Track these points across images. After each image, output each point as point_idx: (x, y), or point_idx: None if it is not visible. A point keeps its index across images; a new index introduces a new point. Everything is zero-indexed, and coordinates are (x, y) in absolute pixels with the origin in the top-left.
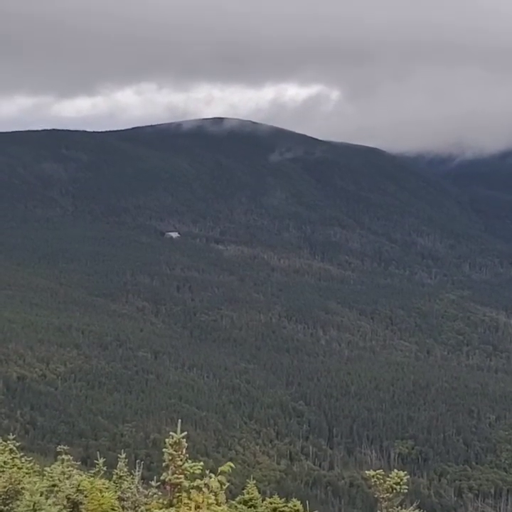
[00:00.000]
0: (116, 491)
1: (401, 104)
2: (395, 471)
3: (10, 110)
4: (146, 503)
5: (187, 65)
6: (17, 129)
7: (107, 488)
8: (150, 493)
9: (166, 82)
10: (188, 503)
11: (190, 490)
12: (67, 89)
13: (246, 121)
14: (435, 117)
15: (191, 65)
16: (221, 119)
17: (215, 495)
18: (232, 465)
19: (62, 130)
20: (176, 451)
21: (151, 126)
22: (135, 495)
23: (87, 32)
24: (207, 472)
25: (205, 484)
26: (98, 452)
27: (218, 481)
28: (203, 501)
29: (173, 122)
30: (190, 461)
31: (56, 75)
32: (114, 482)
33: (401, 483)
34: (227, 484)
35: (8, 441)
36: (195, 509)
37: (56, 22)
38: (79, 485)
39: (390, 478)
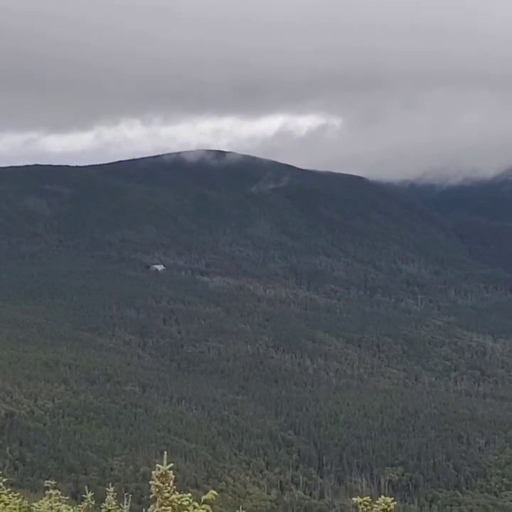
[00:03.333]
0: None
1: (388, 132)
2: (383, 497)
3: None
4: None
5: (174, 98)
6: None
7: None
8: None
9: (154, 116)
10: None
11: None
12: (60, 124)
13: (228, 152)
14: (422, 144)
15: (178, 98)
16: (203, 150)
17: None
18: (215, 493)
19: (45, 165)
20: (162, 483)
21: (134, 159)
22: None
23: (79, 67)
24: (190, 501)
25: None
26: (87, 487)
27: (202, 509)
28: None
29: (156, 155)
30: (178, 492)
31: (49, 109)
32: None
33: (388, 509)
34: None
35: None
36: None
37: (51, 57)
38: None
39: (377, 504)
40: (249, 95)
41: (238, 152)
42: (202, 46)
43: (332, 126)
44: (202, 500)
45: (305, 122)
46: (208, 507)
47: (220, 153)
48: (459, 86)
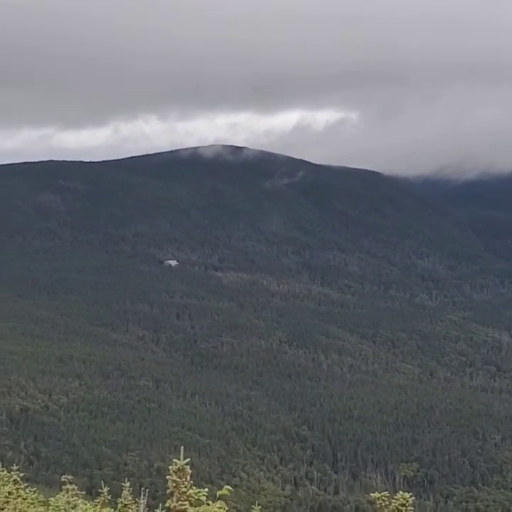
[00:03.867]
0: None
1: (406, 127)
2: (401, 492)
3: (15, 142)
4: None
5: (191, 93)
6: (17, 161)
7: None
8: None
9: (170, 112)
10: None
11: None
12: (76, 120)
13: (244, 147)
14: (439, 139)
15: (195, 94)
16: (219, 146)
17: None
18: (230, 489)
19: (59, 161)
20: (179, 478)
21: (148, 155)
22: None
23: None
24: (207, 496)
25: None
26: (102, 481)
27: (218, 507)
28: None
29: (170, 150)
30: (194, 487)
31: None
32: (120, 511)
33: (407, 504)
34: (227, 509)
35: (12, 473)
36: None
37: (68, 55)
38: None
39: (395, 500)
40: (266, 90)
41: (255, 147)
42: (219, 42)
43: (350, 120)
44: (217, 496)
45: (322, 117)
46: (223, 503)
47: (236, 149)
48: (478, 80)
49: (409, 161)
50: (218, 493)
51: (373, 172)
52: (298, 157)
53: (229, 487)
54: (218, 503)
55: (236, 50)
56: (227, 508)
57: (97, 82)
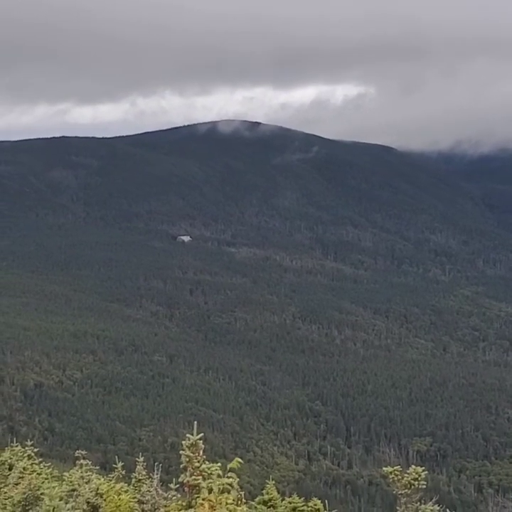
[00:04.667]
0: (135, 494)
1: (425, 102)
2: (413, 466)
3: (29, 118)
4: (165, 505)
5: (210, 69)
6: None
7: (125, 491)
8: (169, 495)
9: (189, 87)
10: (202, 504)
11: (203, 490)
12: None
13: (254, 122)
14: (457, 113)
15: (214, 69)
16: (233, 121)
17: (229, 493)
18: (240, 461)
19: (72, 137)
20: (193, 453)
21: (162, 131)
22: (154, 497)
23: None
24: (220, 471)
25: (219, 484)
26: (116, 457)
27: (228, 477)
28: (217, 501)
29: (182, 126)
30: (207, 462)
31: (84, 80)
32: (133, 485)
33: (419, 478)
34: (237, 480)
35: (27, 448)
36: (211, 509)
37: (88, 30)
38: (98, 489)
39: (408, 474)
40: (286, 65)
41: (272, 123)
42: (238, 17)
43: (369, 95)
44: (227, 469)
45: (341, 91)
46: (233, 475)
47: (253, 125)
48: (500, 55)
49: (427, 135)
50: (228, 465)
51: (387, 147)
52: (315, 132)
53: (239, 459)
54: (229, 475)
55: (257, 25)
56: (238, 480)
57: (115, 58)
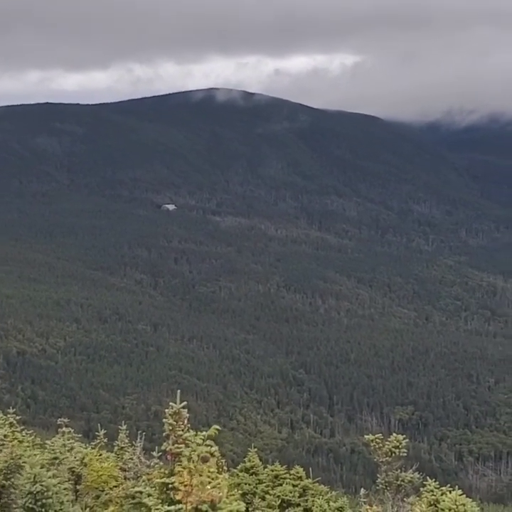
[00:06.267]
0: (117, 462)
1: (419, 72)
2: (394, 435)
3: (16, 84)
4: (147, 473)
5: (206, 37)
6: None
7: (106, 459)
8: (152, 463)
9: (184, 54)
10: (181, 472)
11: (183, 458)
12: (85, 62)
13: (240, 91)
14: (448, 84)
15: (211, 37)
16: (215, 89)
17: (205, 461)
18: (218, 428)
19: (56, 103)
20: (175, 422)
21: (145, 98)
22: (137, 465)
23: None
24: (203, 440)
25: (197, 452)
26: (99, 425)
27: (207, 445)
28: (197, 470)
29: (168, 94)
30: (190, 431)
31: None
32: (116, 453)
33: (400, 446)
34: (217, 448)
35: (8, 415)
36: (189, 476)
37: None
38: (83, 458)
39: (389, 442)
40: (283, 33)
41: (267, 93)
42: None
43: (365, 64)
44: (205, 437)
45: (339, 61)
46: (212, 443)
47: (246, 94)
48: (500, 25)
49: (417, 105)
50: (206, 433)
51: (373, 117)
52: (309, 102)
53: (217, 427)
54: (207, 443)
55: None
56: (216, 448)
57: (109, 24)
